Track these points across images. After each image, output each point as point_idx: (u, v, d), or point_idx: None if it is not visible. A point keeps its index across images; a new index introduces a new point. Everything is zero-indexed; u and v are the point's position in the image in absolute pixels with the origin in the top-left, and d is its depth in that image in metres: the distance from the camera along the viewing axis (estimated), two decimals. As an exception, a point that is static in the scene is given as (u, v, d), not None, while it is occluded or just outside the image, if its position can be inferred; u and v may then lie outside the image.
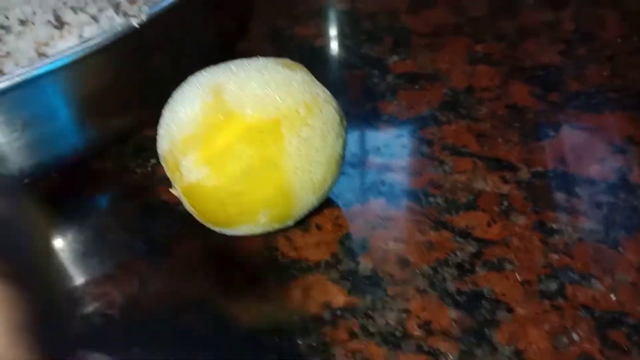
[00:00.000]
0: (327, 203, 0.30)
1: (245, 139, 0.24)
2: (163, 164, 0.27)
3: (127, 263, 0.28)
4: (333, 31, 0.45)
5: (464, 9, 0.46)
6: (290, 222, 0.27)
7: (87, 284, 0.27)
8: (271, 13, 0.47)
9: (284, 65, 0.26)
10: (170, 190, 0.27)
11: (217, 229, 0.27)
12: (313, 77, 0.27)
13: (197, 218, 0.27)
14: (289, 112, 0.25)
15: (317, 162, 0.25)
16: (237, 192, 0.25)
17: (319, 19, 0.47)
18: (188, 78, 0.27)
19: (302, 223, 0.29)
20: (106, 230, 0.30)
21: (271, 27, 0.46)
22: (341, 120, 0.27)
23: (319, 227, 0.29)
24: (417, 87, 0.38)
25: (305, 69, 0.27)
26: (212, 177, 0.24)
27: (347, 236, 0.29)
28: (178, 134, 0.25)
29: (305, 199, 0.26)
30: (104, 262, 0.28)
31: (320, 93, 0.26)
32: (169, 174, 0.26)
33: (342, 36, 0.44)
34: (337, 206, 0.30)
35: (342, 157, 0.27)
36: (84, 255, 0.29)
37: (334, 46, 0.43)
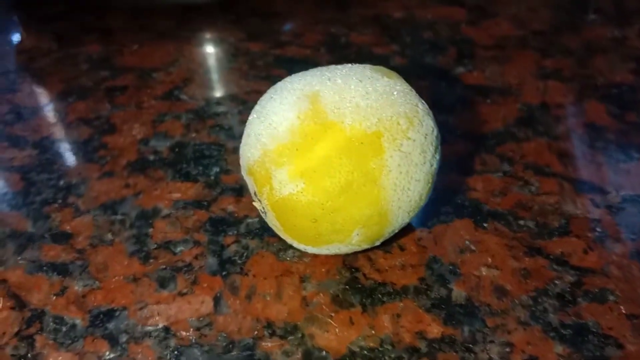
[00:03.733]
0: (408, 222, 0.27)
1: (345, 151, 0.22)
2: (247, 175, 0.24)
3: (199, 279, 0.26)
4: (392, 39, 0.43)
5: (526, 22, 0.44)
6: (378, 243, 0.25)
7: (157, 300, 0.25)
8: (322, 19, 0.46)
9: (382, 73, 0.24)
10: (253, 203, 0.25)
11: (301, 246, 0.25)
12: (411, 88, 0.25)
13: (281, 234, 0.25)
14: (390, 124, 0.23)
15: (416, 180, 0.23)
16: (333, 209, 0.22)
17: (375, 26, 0.45)
18: (277, 83, 0.25)
19: (383, 243, 0.27)
20: (172, 243, 0.28)
21: (325, 33, 0.44)
22: (438, 134, 0.25)
23: (401, 248, 0.27)
24: (488, 100, 0.36)
25: (402, 78, 0.25)
26: (307, 192, 0.22)
27: (434, 260, 0.27)
28: (271, 143, 0.23)
29: (400, 219, 0.24)
30: (174, 278, 0.26)
31: (420, 104, 0.24)
32: (254, 186, 0.24)
33: (401, 45, 0.42)
34: (419, 226, 0.28)
35: (436, 174, 0.25)
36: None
37: (396, 55, 0.41)
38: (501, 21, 0.45)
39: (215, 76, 0.39)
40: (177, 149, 0.33)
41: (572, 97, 0.37)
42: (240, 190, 0.30)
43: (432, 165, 0.24)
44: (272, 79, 0.39)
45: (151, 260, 0.27)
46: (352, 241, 0.24)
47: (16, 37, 0.47)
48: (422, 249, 0.27)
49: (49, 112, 0.37)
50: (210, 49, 0.43)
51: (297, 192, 0.22)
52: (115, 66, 0.41)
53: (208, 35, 0.44)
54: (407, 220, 0.25)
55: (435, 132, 0.24)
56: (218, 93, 0.38)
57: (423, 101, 0.25)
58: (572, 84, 0.38)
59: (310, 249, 0.25)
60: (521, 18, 0.45)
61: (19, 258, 0.27)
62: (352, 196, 0.22)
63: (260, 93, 0.37)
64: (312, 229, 0.23)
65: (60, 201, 0.30)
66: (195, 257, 0.27)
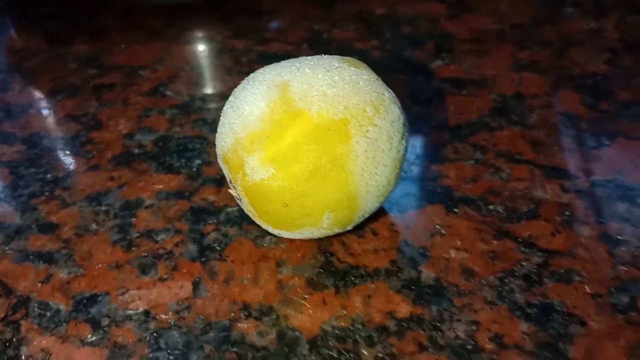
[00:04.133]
0: (381, 208, 0.28)
1: (313, 137, 0.23)
2: (222, 163, 0.25)
3: (179, 266, 0.27)
4: (372, 35, 0.44)
5: (505, 16, 0.45)
6: (349, 227, 0.26)
7: (138, 286, 0.26)
8: (307, 16, 0.47)
9: (349, 63, 0.25)
10: (229, 190, 0.26)
11: (275, 231, 0.26)
12: (377, 77, 0.26)
13: (256, 219, 0.26)
14: (357, 112, 0.24)
15: (383, 165, 0.24)
16: (303, 193, 0.23)
17: (357, 22, 0.46)
18: (250, 75, 0.26)
19: (357, 228, 0.28)
20: (153, 231, 0.29)
21: (308, 30, 0.45)
22: (405, 122, 0.26)
23: (374, 233, 0.28)
24: (464, 92, 0.37)
25: (369, 68, 0.26)
26: (277, 177, 0.23)
27: (406, 243, 0.27)
28: (243, 131, 0.24)
29: (369, 203, 0.25)
30: (156, 265, 0.27)
31: (386, 93, 0.25)
32: (229, 173, 0.25)
33: (382, 40, 0.43)
34: (392, 211, 0.29)
35: (404, 160, 0.26)
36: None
37: (375, 50, 0.42)
38: (481, 15, 0.45)
39: (200, 73, 0.40)
40: (161, 143, 0.34)
41: (547, 88, 0.37)
42: (221, 181, 0.31)
43: (398, 152, 0.25)
44: (255, 75, 0.40)
45: (133, 249, 0.28)
46: (323, 225, 0.25)
47: (7, 38, 0.48)
48: (394, 234, 0.28)
49: (38, 109, 0.38)
50: (196, 47, 0.44)
51: (268, 178, 0.23)
52: (103, 65, 0.42)
53: (195, 34, 0.46)
54: (376, 204, 0.25)
55: (401, 120, 0.25)
56: (203, 89, 0.39)
57: (390, 90, 0.26)
58: (548, 75, 0.38)
59: (285, 234, 0.26)
60: (501, 12, 0.46)
61: (7, 248, 0.28)
62: (320, 181, 0.23)
63: (243, 88, 0.38)
64: (284, 213, 0.24)
65: (47, 194, 0.31)
66: (176, 245, 0.28)
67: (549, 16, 0.46)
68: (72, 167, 0.33)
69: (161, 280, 0.26)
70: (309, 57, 0.26)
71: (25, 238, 0.29)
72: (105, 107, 0.37)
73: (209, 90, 0.38)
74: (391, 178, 0.25)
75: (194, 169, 0.32)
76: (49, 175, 0.32)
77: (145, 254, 0.27)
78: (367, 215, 0.26)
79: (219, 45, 0.43)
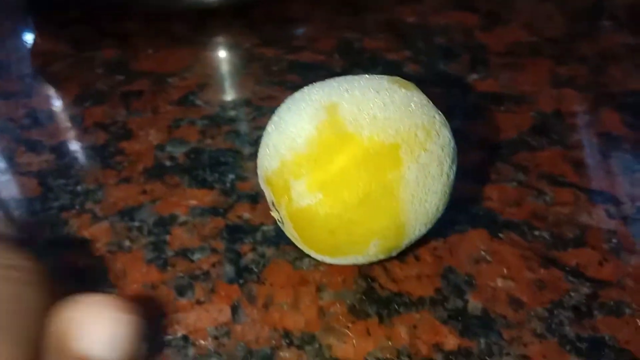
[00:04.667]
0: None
1: (363, 163, 0.22)
2: (265, 185, 0.25)
3: (217, 288, 0.26)
4: (405, 45, 0.43)
5: (539, 29, 0.44)
6: (394, 253, 0.25)
7: (175, 309, 0.25)
8: (337, 24, 0.46)
9: (399, 84, 0.24)
10: (271, 212, 0.25)
11: (318, 256, 0.25)
12: (428, 99, 0.25)
13: (299, 244, 0.25)
14: (408, 136, 0.23)
15: (433, 192, 0.23)
16: (351, 221, 0.23)
17: (388, 31, 0.45)
18: (294, 94, 0.25)
19: (399, 253, 0.27)
20: (189, 250, 0.28)
21: (339, 38, 0.44)
22: (454, 146, 0.25)
23: (417, 258, 0.27)
24: (502, 108, 0.36)
25: (418, 89, 0.25)
26: (325, 204, 0.22)
27: (450, 270, 0.27)
28: (289, 154, 0.23)
29: (417, 231, 0.24)
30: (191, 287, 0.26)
31: (437, 115, 0.24)
32: (271, 196, 0.24)
33: (415, 51, 0.42)
34: (434, 235, 0.28)
35: (453, 186, 0.25)
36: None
37: (409, 62, 0.41)
38: (514, 27, 0.44)
39: (229, 82, 0.40)
40: (192, 155, 0.33)
41: (586, 106, 0.36)
42: (256, 198, 0.31)
43: (449, 177, 0.24)
44: (286, 85, 0.39)
45: (169, 268, 0.27)
46: (369, 252, 0.24)
47: (31, 41, 0.47)
48: (438, 259, 0.27)
49: (66, 116, 0.37)
50: (224, 54, 0.43)
51: (315, 204, 0.22)
52: (131, 71, 0.41)
53: (223, 40, 0.45)
54: (424, 231, 0.25)
55: (452, 144, 0.24)
56: (233, 98, 0.38)
57: (440, 112, 0.25)
58: (587, 92, 0.38)
59: (328, 259, 0.25)
60: (535, 24, 0.45)
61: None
62: (369, 208, 0.22)
63: (274, 99, 0.37)
64: (330, 240, 0.23)
65: (78, 207, 0.31)
66: (213, 265, 0.27)
67: (585, 30, 0.45)
68: (102, 179, 0.32)
69: (199, 303, 0.26)
70: (356, 77, 0.25)
71: (58, 253, 0.28)
72: (134, 116, 0.36)
73: (239, 100, 0.37)
74: (440, 204, 0.24)
75: (228, 184, 0.31)
76: (79, 188, 0.32)
77: (182, 274, 0.27)
78: (413, 242, 0.25)
79: (246, 53, 0.42)
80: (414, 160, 0.23)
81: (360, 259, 0.25)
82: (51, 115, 0.38)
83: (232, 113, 0.37)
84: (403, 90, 0.24)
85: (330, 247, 0.24)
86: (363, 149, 0.22)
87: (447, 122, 0.25)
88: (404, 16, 0.46)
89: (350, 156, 0.22)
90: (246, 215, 0.30)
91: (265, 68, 0.41)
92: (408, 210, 0.23)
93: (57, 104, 0.39)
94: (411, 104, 0.24)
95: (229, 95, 0.38)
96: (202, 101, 0.38)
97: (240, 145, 0.34)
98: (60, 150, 0.35)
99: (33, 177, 0.33)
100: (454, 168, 0.25)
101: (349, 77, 0.25)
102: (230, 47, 0.43)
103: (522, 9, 0.46)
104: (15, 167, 0.34)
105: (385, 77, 0.25)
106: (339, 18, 0.46)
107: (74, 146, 0.35)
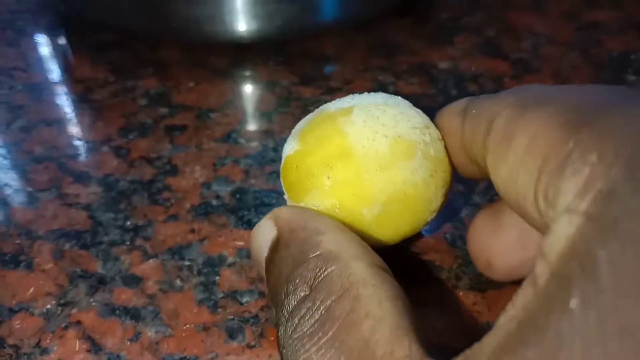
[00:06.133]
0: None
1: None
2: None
3: (266, 332, 0.27)
4: (439, 91, 0.45)
5: (567, 79, 0.46)
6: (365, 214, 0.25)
7: (227, 352, 0.26)
8: (371, 66, 0.47)
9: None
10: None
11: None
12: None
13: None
14: None
15: (383, 135, 0.25)
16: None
17: (421, 75, 0.46)
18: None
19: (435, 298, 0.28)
20: (238, 292, 0.29)
21: (373, 80, 0.45)
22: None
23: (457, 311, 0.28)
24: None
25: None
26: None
27: (489, 326, 0.28)
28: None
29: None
30: (243, 332, 0.27)
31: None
32: None
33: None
34: (470, 289, 0.29)
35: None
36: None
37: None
38: (544, 77, 0.46)
39: (269, 120, 0.41)
40: (238, 195, 0.35)
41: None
42: (300, 241, 0.32)
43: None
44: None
45: (219, 310, 0.28)
46: (325, 187, 0.24)
47: (68, 64, 0.49)
48: (477, 314, 0.28)
49: (111, 148, 0.39)
50: (263, 91, 0.45)
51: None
52: (173, 103, 0.43)
53: (261, 77, 0.46)
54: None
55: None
56: (274, 139, 0.39)
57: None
58: None
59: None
60: (563, 74, 0.46)
61: (92, 300, 0.29)
62: (320, 139, 0.25)
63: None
64: (295, 176, 0.26)
65: (128, 243, 0.32)
66: (261, 309, 0.28)
67: (609, 81, 0.46)
68: (150, 215, 0.33)
69: (249, 347, 0.27)
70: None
71: (110, 290, 0.29)
72: (179, 151, 0.38)
73: (280, 140, 0.39)
74: (398, 157, 0.24)
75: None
76: (128, 223, 0.33)
77: (232, 317, 0.28)
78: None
79: (285, 91, 0.44)
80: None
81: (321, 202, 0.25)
82: (96, 145, 0.39)
83: (273, 153, 0.38)
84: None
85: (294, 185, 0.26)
86: None
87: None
88: (435, 60, 0.48)
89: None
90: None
91: (303, 107, 0.42)
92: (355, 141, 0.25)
93: (101, 134, 0.40)
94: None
95: (270, 135, 0.39)
96: (244, 139, 0.39)
97: (282, 187, 0.35)
98: (107, 183, 0.36)
99: (82, 210, 0.34)
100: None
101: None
102: (268, 84, 0.45)
103: (551, 58, 0.48)
104: (63, 198, 0.35)
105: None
106: (372, 59, 0.48)
107: (121, 180, 0.36)
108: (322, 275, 0.19)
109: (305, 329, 0.18)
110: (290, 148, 0.26)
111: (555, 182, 0.15)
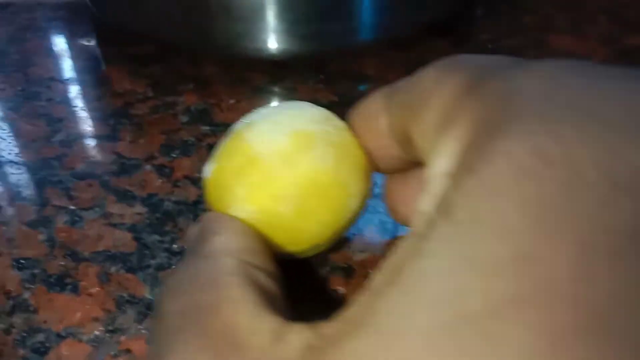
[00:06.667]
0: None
1: None
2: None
3: None
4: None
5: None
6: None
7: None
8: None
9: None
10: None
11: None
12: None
13: None
14: None
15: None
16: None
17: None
18: None
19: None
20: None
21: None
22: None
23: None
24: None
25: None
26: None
27: None
28: None
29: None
30: None
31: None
32: None
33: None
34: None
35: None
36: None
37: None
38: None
39: (312, 141, 0.40)
40: (284, 221, 0.34)
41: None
42: (349, 270, 0.31)
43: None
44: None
45: (271, 342, 0.27)
46: (242, 196, 0.25)
47: (108, 78, 0.48)
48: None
49: (154, 166, 0.38)
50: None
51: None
52: (214, 121, 0.42)
53: (301, 95, 0.46)
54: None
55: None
56: (316, 160, 0.39)
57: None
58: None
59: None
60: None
61: (140, 327, 0.28)
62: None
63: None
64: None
65: (174, 267, 0.31)
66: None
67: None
68: (197, 238, 0.32)
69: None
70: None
71: (159, 317, 0.28)
72: (222, 173, 0.37)
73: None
74: (301, 150, 0.25)
75: (320, 253, 0.32)
76: (174, 246, 0.32)
77: (284, 351, 0.27)
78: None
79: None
80: None
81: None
82: (138, 163, 0.38)
83: (318, 176, 0.37)
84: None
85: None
86: None
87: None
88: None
89: None
90: (341, 289, 0.30)
91: (346, 129, 0.41)
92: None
93: (143, 151, 0.39)
94: None
95: (313, 157, 0.39)
96: (288, 161, 0.38)
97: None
98: (151, 203, 0.35)
99: (127, 231, 0.33)
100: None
101: None
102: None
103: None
104: (107, 218, 0.34)
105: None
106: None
107: (166, 200, 0.35)
108: (195, 272, 0.20)
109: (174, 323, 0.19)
110: (207, 171, 0.27)
111: (435, 142, 0.18)
